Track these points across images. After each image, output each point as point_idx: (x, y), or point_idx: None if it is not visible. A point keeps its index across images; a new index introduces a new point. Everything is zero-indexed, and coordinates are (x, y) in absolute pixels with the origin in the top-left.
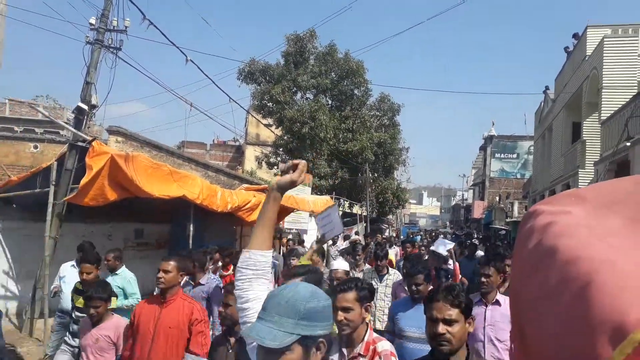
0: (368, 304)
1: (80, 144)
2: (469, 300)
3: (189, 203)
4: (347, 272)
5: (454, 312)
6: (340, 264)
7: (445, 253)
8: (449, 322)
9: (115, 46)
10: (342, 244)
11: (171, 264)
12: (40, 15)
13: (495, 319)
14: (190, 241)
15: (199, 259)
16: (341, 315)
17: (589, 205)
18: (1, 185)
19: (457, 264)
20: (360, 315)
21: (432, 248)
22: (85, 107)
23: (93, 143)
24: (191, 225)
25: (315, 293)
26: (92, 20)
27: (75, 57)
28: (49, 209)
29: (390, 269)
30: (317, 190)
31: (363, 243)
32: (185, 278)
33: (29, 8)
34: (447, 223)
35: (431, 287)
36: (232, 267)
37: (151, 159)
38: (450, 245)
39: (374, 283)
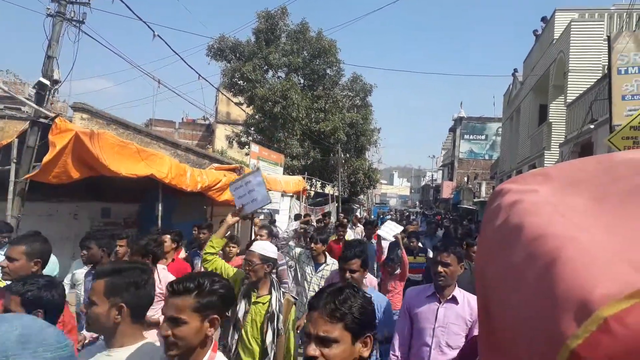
0: (215, 316)
1: (42, 120)
2: (364, 312)
3: (157, 182)
4: (265, 258)
5: (333, 329)
6: (263, 246)
7: (391, 239)
8: (324, 342)
9: (78, 19)
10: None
11: (18, 250)
12: None
13: (449, 320)
14: (160, 221)
15: (106, 243)
16: (167, 329)
17: (554, 184)
18: None
19: (404, 252)
20: (197, 332)
21: (378, 232)
22: (47, 82)
23: (56, 120)
24: (160, 205)
25: (30, 338)
26: None
27: (37, 30)
28: (11, 188)
29: (328, 257)
30: (289, 170)
31: (315, 223)
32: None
33: None
34: (417, 203)
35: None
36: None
37: (118, 137)
38: (399, 229)
39: (308, 270)
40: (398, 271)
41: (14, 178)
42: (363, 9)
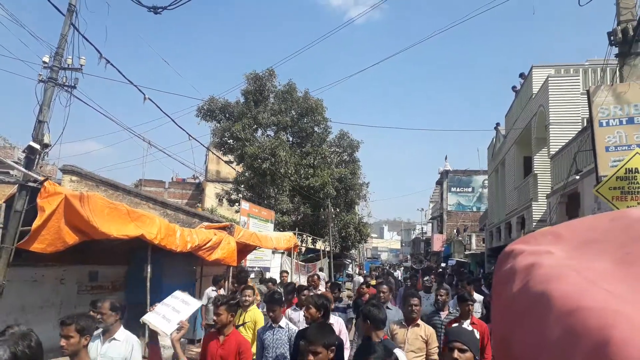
0: None
1: (31, 184)
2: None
3: (146, 243)
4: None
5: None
6: None
7: (166, 332)
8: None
9: (69, 84)
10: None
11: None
12: None
13: None
14: (148, 283)
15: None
16: None
17: (567, 244)
18: None
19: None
20: None
21: (142, 318)
22: (37, 146)
23: (45, 183)
24: (149, 267)
25: None
26: (46, 59)
27: (28, 95)
28: None
29: None
30: (279, 226)
31: (268, 289)
32: None
33: None
34: (408, 256)
35: None
36: None
37: (107, 199)
38: (186, 311)
39: None
40: None
41: (0, 243)
42: (348, 68)
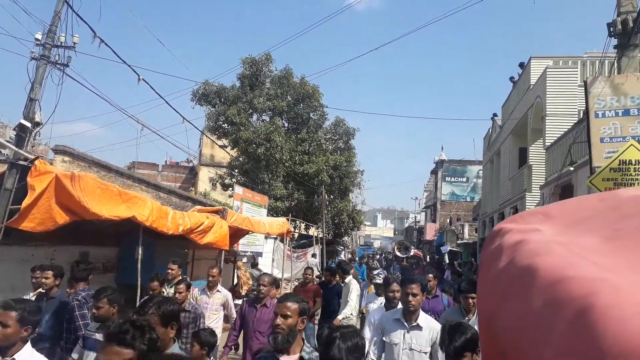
0: None
1: (21, 162)
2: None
3: (138, 225)
4: None
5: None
6: None
7: None
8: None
9: (62, 62)
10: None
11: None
12: None
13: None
14: (139, 265)
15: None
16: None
17: (556, 223)
18: None
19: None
20: None
21: None
22: (28, 124)
23: (36, 162)
24: (140, 249)
25: None
26: (39, 36)
27: (20, 73)
28: None
29: None
30: (273, 211)
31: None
32: None
33: None
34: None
35: None
36: None
37: (99, 179)
38: None
39: None
40: None
41: None
42: (346, 55)
